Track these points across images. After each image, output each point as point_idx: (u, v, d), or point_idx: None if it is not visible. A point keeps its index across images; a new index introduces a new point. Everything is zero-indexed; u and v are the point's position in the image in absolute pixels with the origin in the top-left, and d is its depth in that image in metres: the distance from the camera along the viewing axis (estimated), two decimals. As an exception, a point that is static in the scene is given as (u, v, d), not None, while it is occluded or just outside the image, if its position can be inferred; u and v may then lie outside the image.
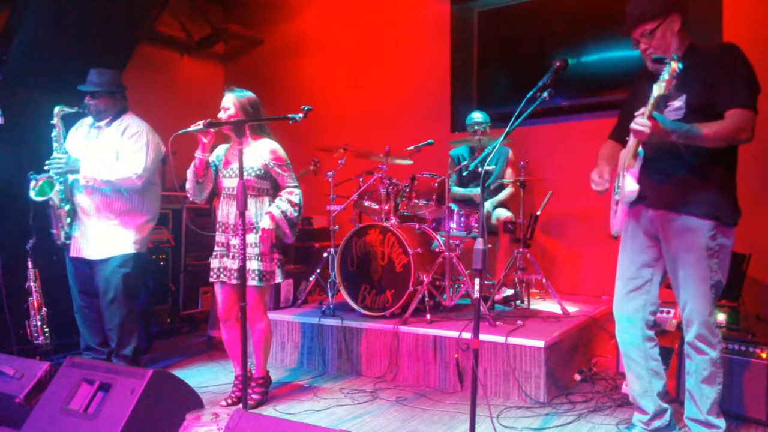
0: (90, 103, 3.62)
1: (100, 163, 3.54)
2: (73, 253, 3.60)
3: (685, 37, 2.42)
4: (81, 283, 3.69)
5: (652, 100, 2.12)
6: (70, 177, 3.57)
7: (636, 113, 2.22)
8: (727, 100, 2.27)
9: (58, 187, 3.52)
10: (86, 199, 3.59)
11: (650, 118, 2.13)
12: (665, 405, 2.58)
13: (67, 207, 3.56)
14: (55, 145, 3.56)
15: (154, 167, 3.69)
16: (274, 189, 3.22)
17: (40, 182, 3.51)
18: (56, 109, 3.54)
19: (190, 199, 3.17)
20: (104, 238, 3.58)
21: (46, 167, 3.53)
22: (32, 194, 3.51)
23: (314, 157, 5.19)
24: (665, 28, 2.37)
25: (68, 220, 3.57)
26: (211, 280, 3.20)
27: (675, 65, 2.04)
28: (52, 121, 3.54)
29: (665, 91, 2.08)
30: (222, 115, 3.12)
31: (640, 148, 2.29)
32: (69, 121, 3.68)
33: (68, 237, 3.59)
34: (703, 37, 2.52)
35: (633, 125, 2.19)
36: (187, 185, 3.17)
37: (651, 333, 2.58)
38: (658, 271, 2.54)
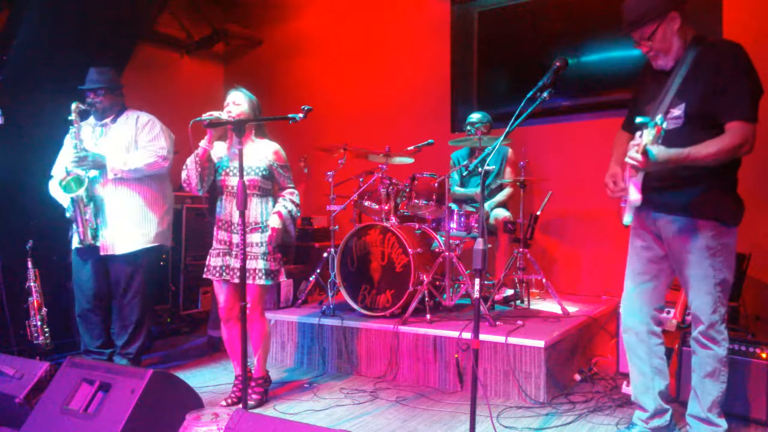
0: (96, 101, 3.64)
1: (122, 154, 3.57)
2: (102, 252, 3.60)
3: (687, 32, 2.38)
4: (95, 284, 3.67)
5: (642, 142, 2.12)
6: (91, 174, 3.56)
7: (632, 143, 2.25)
8: (728, 113, 2.25)
9: (87, 184, 3.51)
10: (110, 192, 3.60)
11: (643, 153, 2.14)
12: (666, 406, 2.59)
13: (92, 205, 3.56)
14: (74, 141, 3.52)
15: (173, 151, 3.76)
16: (275, 189, 3.24)
17: (68, 178, 3.49)
18: (73, 105, 3.52)
19: (187, 189, 3.13)
20: (130, 230, 3.60)
21: (71, 165, 3.49)
22: (56, 189, 3.51)
23: (305, 155, 5.18)
24: (665, 29, 2.34)
25: (94, 218, 3.56)
26: (207, 276, 3.17)
27: (659, 129, 2.06)
28: (69, 117, 3.52)
29: (652, 143, 2.10)
30: (232, 109, 3.09)
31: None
32: (66, 128, 3.64)
33: (95, 236, 3.56)
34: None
35: (627, 159, 2.22)
36: (185, 174, 3.09)
37: (657, 330, 2.59)
38: (665, 268, 2.55)
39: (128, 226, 3.60)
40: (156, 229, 3.70)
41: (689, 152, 2.20)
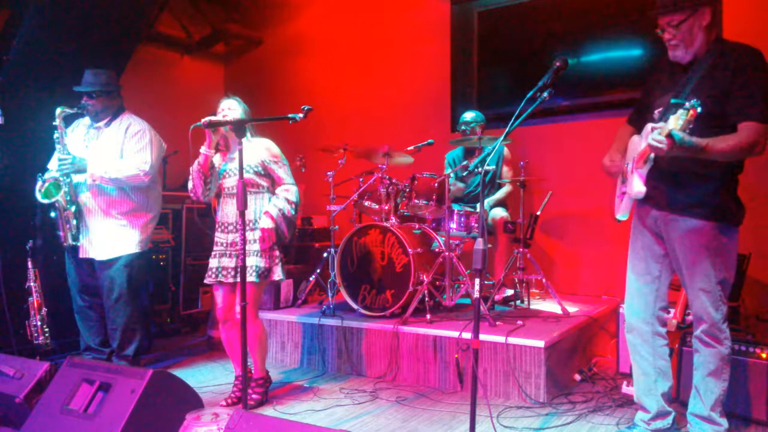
0: (88, 104, 3.62)
1: (105, 161, 3.55)
2: (81, 255, 3.60)
3: (713, 32, 2.38)
4: (82, 282, 3.71)
5: (668, 127, 2.11)
6: (75, 178, 3.57)
7: (654, 125, 2.23)
8: (741, 113, 2.25)
9: (64, 189, 3.52)
10: (91, 199, 3.60)
11: (668, 136, 2.12)
12: (669, 408, 2.58)
13: (73, 208, 3.56)
14: (57, 146, 3.55)
15: (158, 165, 3.72)
16: (273, 186, 3.23)
17: (47, 184, 3.50)
18: (58, 111, 3.53)
19: (194, 198, 3.15)
20: (110, 238, 3.60)
21: (52, 170, 3.53)
22: (38, 196, 3.51)
23: (301, 153, 5.17)
24: (693, 22, 2.33)
25: (74, 221, 3.56)
26: (207, 281, 3.18)
27: (694, 112, 2.03)
28: (54, 123, 3.53)
29: (680, 129, 2.07)
30: (228, 114, 3.11)
31: (652, 154, 2.29)
32: (66, 123, 3.65)
33: (75, 239, 3.57)
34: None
35: (650, 141, 2.19)
36: (191, 183, 3.12)
37: (662, 330, 2.59)
38: (666, 268, 2.55)
39: (108, 234, 3.60)
40: (138, 238, 3.67)
41: (708, 143, 2.19)
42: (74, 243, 3.57)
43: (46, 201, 3.50)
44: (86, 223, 3.60)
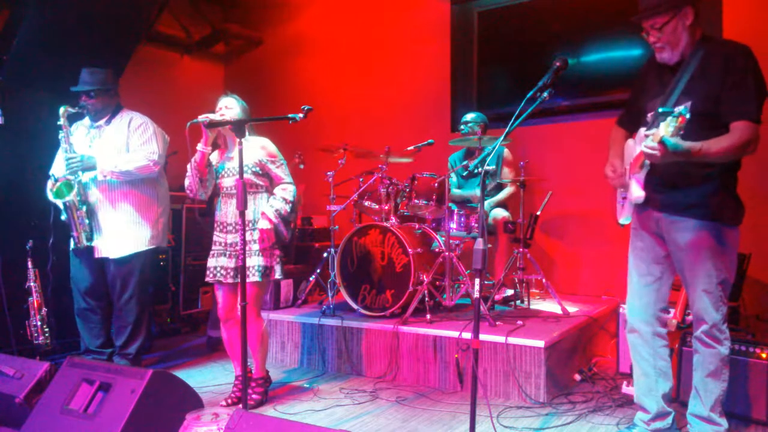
0: (88, 104, 3.62)
1: (113, 156, 3.56)
2: (96, 255, 3.60)
3: (696, 30, 2.38)
4: (88, 284, 3.68)
5: (659, 133, 2.10)
6: (82, 176, 3.56)
7: (647, 132, 2.23)
8: (734, 112, 2.25)
9: (76, 188, 3.51)
10: (101, 195, 3.60)
11: (660, 143, 2.12)
12: (669, 408, 2.58)
13: (84, 208, 3.56)
14: (63, 145, 3.54)
15: (165, 155, 3.75)
16: (272, 185, 3.23)
17: (59, 183, 3.49)
18: (61, 110, 3.52)
19: (191, 196, 3.15)
20: (122, 234, 3.60)
21: (56, 173, 3.53)
22: (50, 195, 3.50)
23: (299, 151, 5.16)
24: (677, 22, 2.34)
25: (87, 221, 3.56)
26: (207, 279, 3.18)
27: (683, 119, 2.03)
28: (58, 122, 3.52)
29: (670, 136, 2.07)
30: (225, 113, 3.11)
31: (647, 160, 2.29)
32: (69, 123, 3.65)
33: (90, 239, 3.56)
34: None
35: (644, 149, 2.19)
36: (187, 181, 3.12)
37: (662, 331, 2.59)
38: (668, 269, 2.55)
39: (121, 231, 3.60)
40: (150, 233, 3.68)
41: (701, 146, 2.19)
42: (88, 244, 3.56)
43: (59, 201, 3.48)
44: (98, 221, 3.60)
